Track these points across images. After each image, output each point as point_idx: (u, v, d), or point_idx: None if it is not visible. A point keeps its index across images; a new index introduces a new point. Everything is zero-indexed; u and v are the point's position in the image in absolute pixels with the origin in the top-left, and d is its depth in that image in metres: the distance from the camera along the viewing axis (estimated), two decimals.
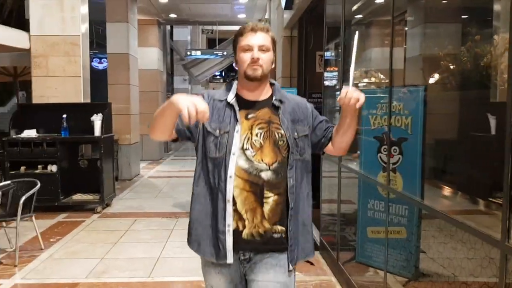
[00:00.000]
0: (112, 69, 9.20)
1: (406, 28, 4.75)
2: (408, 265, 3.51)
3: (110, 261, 4.35)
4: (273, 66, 1.82)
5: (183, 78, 21.01)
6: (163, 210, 6.54)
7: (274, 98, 1.80)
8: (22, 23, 7.06)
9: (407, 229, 3.52)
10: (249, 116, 1.76)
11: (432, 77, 4.22)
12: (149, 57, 12.47)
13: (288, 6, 6.17)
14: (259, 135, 1.73)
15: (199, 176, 1.80)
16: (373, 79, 5.30)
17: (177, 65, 19.73)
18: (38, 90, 6.85)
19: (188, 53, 14.69)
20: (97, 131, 6.36)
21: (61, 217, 6.07)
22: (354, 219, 4.04)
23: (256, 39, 1.73)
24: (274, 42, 1.80)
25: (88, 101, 7.05)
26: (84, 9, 6.97)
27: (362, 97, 1.64)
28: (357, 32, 6.19)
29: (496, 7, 3.12)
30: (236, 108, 1.76)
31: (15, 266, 4.18)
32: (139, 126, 10.23)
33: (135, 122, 9.76)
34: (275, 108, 1.79)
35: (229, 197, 1.70)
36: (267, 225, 1.72)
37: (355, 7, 5.33)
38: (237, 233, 1.72)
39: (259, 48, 1.73)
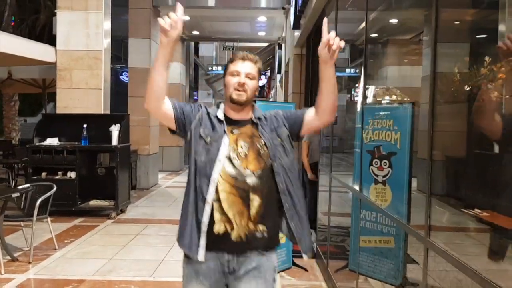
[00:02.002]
0: (133, 82, 9.60)
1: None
2: (395, 273, 3.65)
3: (117, 262, 4.63)
4: (256, 94, 2.03)
5: (207, 92, 21.49)
6: (175, 218, 6.79)
7: (254, 116, 2.02)
8: (54, 38, 7.53)
9: (396, 239, 3.68)
10: (234, 131, 1.96)
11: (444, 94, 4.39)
12: (171, 71, 12.87)
13: (296, 26, 6.45)
14: (243, 147, 1.92)
15: (190, 177, 1.96)
16: (394, 97, 5.49)
17: (202, 80, 20.23)
18: (62, 101, 7.29)
19: (210, 68, 15.10)
20: (114, 141, 6.71)
21: (77, 221, 6.41)
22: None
23: (245, 67, 1.96)
24: (259, 72, 2.02)
25: (108, 112, 7.44)
26: (107, 25, 7.41)
27: (342, 42, 1.80)
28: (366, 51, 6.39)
29: (501, 27, 3.30)
30: (225, 123, 1.97)
31: (29, 263, 4.51)
32: (159, 137, 10.59)
33: (154, 133, 10.11)
34: (256, 125, 2.00)
35: (209, 199, 1.86)
36: (251, 226, 1.87)
37: (360, 28, 5.56)
38: (226, 236, 1.86)
39: (246, 75, 1.95)
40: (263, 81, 17.27)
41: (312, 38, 6.35)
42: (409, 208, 3.39)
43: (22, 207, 5.69)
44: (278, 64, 13.78)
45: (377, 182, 3.79)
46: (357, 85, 5.84)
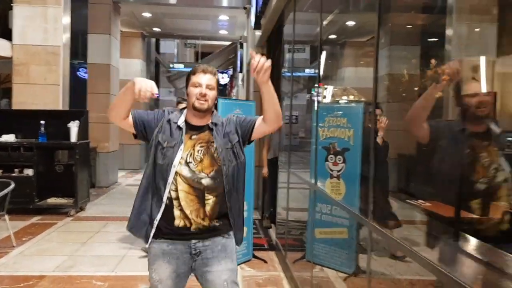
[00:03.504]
0: (92, 78, 9.43)
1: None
2: (349, 262, 3.86)
3: (78, 258, 4.64)
4: (216, 102, 2.25)
5: (168, 90, 21.32)
6: None
7: (211, 122, 2.22)
8: (9, 32, 7.35)
9: (349, 230, 3.88)
10: (193, 137, 2.16)
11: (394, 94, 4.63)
12: (131, 68, 12.76)
13: (257, 26, 6.60)
14: (199, 151, 2.13)
15: (148, 174, 2.15)
16: (351, 97, 5.70)
17: (163, 77, 20.07)
18: (18, 97, 7.14)
19: (171, 65, 15.02)
20: (73, 138, 6.65)
21: (36, 219, 6.32)
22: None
23: (205, 79, 2.16)
24: (217, 83, 2.23)
25: (67, 108, 7.34)
26: (66, 20, 7.32)
27: (268, 62, 1.96)
28: (324, 52, 6.66)
29: (448, 32, 3.54)
30: (183, 131, 2.16)
31: None
32: (119, 135, 10.47)
33: (114, 130, 9.98)
34: (211, 130, 2.20)
35: (164, 199, 2.08)
36: (207, 221, 2.11)
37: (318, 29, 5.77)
38: (186, 228, 2.09)
39: (207, 86, 2.15)
40: (226, 79, 17.33)
41: (273, 39, 6.51)
42: (361, 199, 3.60)
43: None
44: (240, 63, 13.89)
45: (332, 177, 3.98)
46: (316, 85, 6.05)
